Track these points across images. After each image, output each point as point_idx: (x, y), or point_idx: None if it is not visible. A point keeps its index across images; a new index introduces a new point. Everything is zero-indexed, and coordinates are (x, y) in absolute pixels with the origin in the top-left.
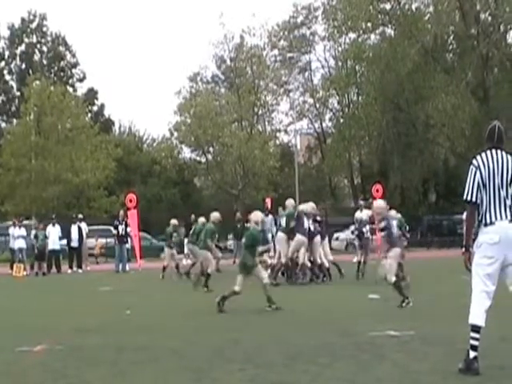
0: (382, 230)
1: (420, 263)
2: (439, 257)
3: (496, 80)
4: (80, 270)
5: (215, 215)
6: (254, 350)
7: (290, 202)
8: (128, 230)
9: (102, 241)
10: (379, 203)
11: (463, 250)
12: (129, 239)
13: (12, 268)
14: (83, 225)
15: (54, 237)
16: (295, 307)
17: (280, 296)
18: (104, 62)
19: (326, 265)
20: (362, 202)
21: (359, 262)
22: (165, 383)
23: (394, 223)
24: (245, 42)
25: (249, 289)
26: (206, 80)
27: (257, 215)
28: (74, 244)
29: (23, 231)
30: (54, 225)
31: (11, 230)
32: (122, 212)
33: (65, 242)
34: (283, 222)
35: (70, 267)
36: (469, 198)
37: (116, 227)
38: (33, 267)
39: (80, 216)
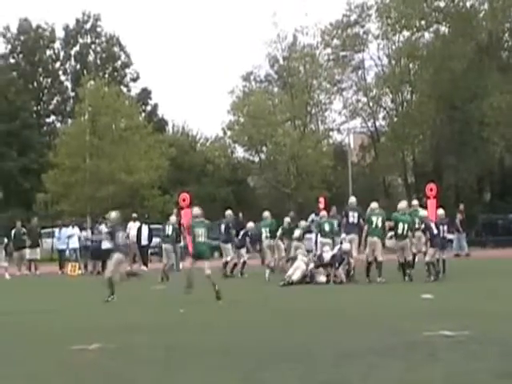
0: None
1: (475, 262)
2: (494, 256)
3: None
4: (146, 268)
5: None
6: (303, 349)
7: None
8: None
9: (156, 240)
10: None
11: None
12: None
13: (61, 268)
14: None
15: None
16: (346, 306)
17: (331, 294)
18: (157, 62)
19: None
20: (415, 202)
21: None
22: (213, 382)
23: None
24: (298, 41)
25: (298, 289)
26: (259, 79)
27: (196, 210)
28: (144, 242)
29: (76, 231)
30: (107, 225)
31: (58, 231)
32: (175, 211)
33: None
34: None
35: (145, 265)
36: None
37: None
38: (86, 266)
39: (134, 215)
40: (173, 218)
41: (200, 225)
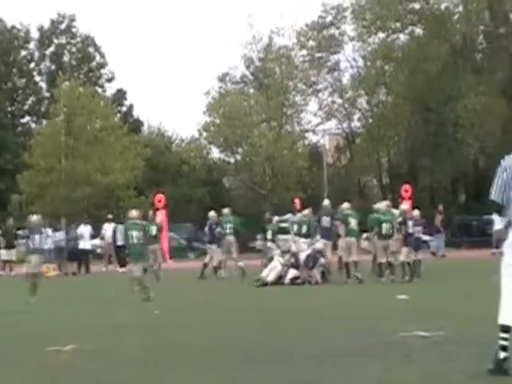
0: None
1: (450, 263)
2: (469, 257)
3: None
4: (124, 269)
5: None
6: (285, 349)
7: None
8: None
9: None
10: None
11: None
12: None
13: None
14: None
15: (86, 236)
16: (322, 307)
17: (307, 295)
18: (133, 63)
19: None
20: (389, 202)
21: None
22: (195, 382)
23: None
24: (273, 43)
25: (275, 290)
26: (234, 80)
27: (133, 212)
28: (120, 243)
29: (48, 232)
30: (85, 224)
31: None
32: (150, 212)
33: (95, 241)
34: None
35: (122, 266)
36: (492, 197)
37: None
38: (60, 267)
39: (109, 216)
40: (158, 218)
41: (135, 227)
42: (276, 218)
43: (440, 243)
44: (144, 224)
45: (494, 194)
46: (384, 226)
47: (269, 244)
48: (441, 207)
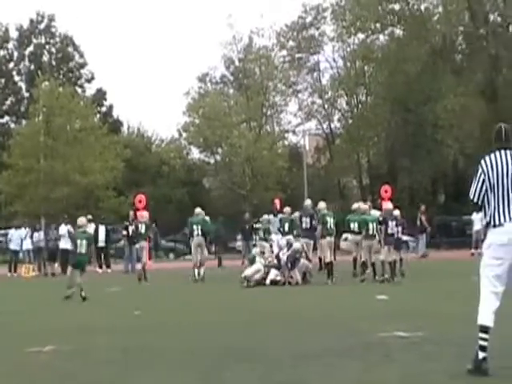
0: None
1: (429, 264)
2: (448, 257)
3: (505, 80)
4: (109, 270)
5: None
6: (262, 349)
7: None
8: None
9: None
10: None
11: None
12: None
13: (10, 270)
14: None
15: (66, 236)
16: (302, 308)
17: (288, 296)
18: (112, 63)
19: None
20: (369, 203)
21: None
22: (172, 382)
23: None
24: (253, 43)
25: (256, 290)
26: (214, 81)
27: (81, 220)
28: (101, 244)
29: (28, 232)
30: (66, 224)
31: (12, 232)
32: (131, 213)
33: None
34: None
35: (100, 267)
36: (471, 197)
37: (126, 228)
38: (40, 268)
39: (89, 217)
40: (145, 215)
41: (82, 235)
42: (266, 217)
43: (423, 243)
44: (89, 233)
45: (473, 194)
46: (370, 225)
47: (264, 243)
48: (423, 207)
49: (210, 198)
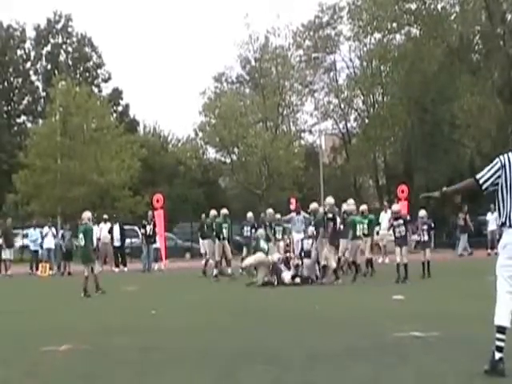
0: None
1: (446, 264)
2: (464, 257)
3: None
4: (125, 269)
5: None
6: (277, 351)
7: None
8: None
9: (127, 240)
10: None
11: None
12: (157, 239)
13: (32, 269)
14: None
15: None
16: (318, 308)
17: (302, 296)
18: (129, 63)
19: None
20: (386, 203)
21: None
22: (188, 382)
23: None
24: (269, 43)
25: (272, 291)
26: (230, 80)
27: (84, 214)
28: (117, 243)
29: (53, 231)
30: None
31: (31, 232)
32: (150, 212)
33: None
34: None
35: (117, 266)
36: (478, 178)
37: (144, 227)
38: (59, 267)
39: (105, 216)
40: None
41: (80, 229)
42: (270, 211)
43: (464, 242)
44: (87, 226)
45: (482, 178)
46: (357, 227)
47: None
48: (466, 208)
49: (226, 198)
